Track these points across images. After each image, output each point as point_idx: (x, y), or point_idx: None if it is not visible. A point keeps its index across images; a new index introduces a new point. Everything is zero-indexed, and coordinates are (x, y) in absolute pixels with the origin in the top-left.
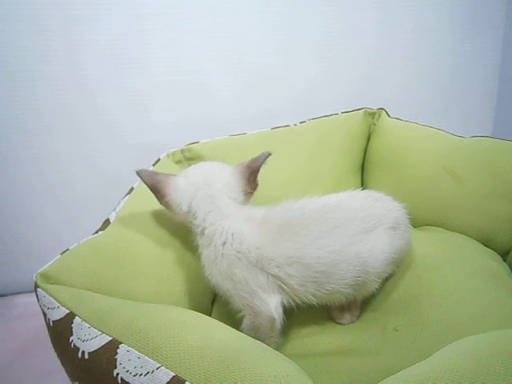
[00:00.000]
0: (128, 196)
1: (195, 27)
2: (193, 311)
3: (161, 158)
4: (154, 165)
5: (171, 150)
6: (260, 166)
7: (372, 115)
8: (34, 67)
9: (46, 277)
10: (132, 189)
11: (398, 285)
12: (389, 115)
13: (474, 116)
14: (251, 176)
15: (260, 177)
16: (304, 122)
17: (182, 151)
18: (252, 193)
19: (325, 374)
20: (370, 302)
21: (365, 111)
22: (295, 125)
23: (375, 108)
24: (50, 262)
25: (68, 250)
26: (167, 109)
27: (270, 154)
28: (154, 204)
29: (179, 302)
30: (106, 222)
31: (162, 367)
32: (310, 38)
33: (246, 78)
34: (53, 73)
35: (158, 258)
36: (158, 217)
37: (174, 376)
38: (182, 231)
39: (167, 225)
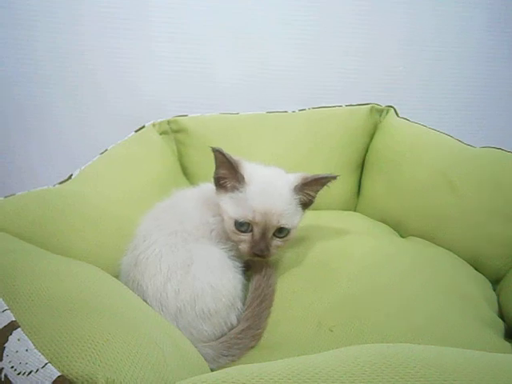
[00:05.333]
0: (99, 156)
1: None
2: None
3: (146, 125)
4: (136, 131)
5: (158, 120)
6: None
7: (380, 112)
8: None
9: None
10: (106, 150)
11: (343, 284)
12: (398, 114)
13: (502, 129)
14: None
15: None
16: (304, 109)
17: (169, 122)
18: None
19: None
20: (307, 301)
21: (372, 107)
22: (293, 112)
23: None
24: None
25: (14, 195)
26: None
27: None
28: (122, 167)
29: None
30: (68, 178)
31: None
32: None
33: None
34: None
35: (107, 218)
36: (121, 179)
37: (12, 321)
38: (144, 194)
39: (129, 187)
